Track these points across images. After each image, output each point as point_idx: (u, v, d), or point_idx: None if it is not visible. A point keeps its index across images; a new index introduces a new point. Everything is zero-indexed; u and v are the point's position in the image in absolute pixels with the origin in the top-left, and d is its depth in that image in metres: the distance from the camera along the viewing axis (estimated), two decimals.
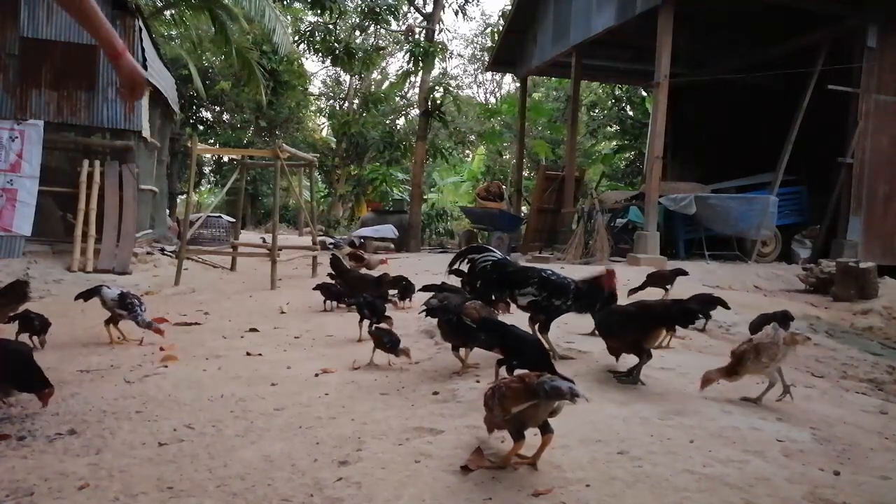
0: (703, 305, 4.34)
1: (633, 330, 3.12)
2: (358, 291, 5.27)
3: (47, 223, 8.95)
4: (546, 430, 2.10)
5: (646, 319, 3.13)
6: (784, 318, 4.18)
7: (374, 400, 3.04)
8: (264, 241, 10.92)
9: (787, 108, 11.15)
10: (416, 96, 22.49)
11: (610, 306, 3.50)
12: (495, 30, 22.44)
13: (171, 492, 2.06)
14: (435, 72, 20.17)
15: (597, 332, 3.61)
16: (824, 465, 2.19)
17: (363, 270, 7.32)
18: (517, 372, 2.63)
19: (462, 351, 3.51)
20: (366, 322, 4.32)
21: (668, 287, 5.64)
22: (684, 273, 5.92)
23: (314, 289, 6.11)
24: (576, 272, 4.33)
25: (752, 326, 4.28)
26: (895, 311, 6.95)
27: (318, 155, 18.37)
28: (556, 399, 2.02)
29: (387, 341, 3.67)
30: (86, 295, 4.40)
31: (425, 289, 4.88)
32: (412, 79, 20.67)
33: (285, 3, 21.05)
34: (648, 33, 10.23)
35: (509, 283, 3.73)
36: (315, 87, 30.34)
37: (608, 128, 22.97)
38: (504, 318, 4.54)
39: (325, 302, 6.06)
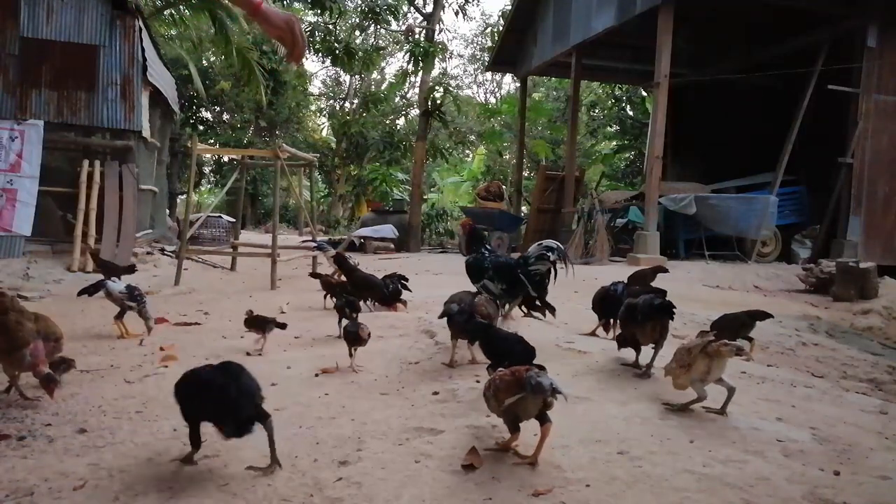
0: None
1: (630, 323, 3.14)
2: (365, 294, 4.94)
3: (47, 223, 8.95)
4: (543, 420, 2.15)
5: (638, 312, 3.09)
6: (753, 318, 3.92)
7: (374, 400, 3.03)
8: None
9: (786, 108, 11.15)
10: (416, 96, 22.51)
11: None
12: (495, 30, 22.47)
13: (171, 492, 2.06)
14: (435, 72, 20.18)
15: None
16: (824, 465, 2.19)
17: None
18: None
19: (464, 349, 3.52)
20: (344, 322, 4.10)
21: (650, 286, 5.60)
22: (665, 270, 5.88)
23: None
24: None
25: (715, 325, 3.98)
26: (895, 311, 6.95)
27: (318, 155, 18.38)
28: (538, 394, 2.10)
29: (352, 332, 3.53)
30: (90, 290, 4.44)
31: None
32: (412, 79, 20.68)
33: (285, 3, 21.02)
34: (648, 33, 10.24)
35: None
36: (315, 87, 30.40)
37: (608, 128, 22.97)
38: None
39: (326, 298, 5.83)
